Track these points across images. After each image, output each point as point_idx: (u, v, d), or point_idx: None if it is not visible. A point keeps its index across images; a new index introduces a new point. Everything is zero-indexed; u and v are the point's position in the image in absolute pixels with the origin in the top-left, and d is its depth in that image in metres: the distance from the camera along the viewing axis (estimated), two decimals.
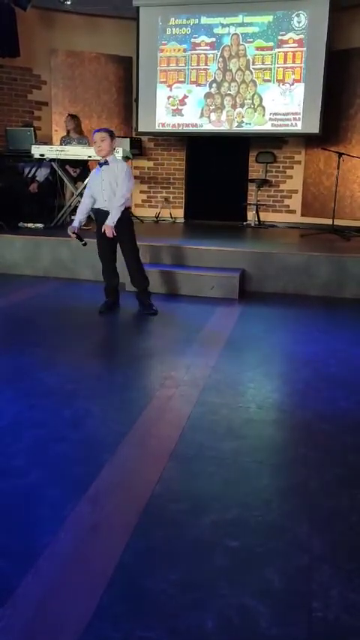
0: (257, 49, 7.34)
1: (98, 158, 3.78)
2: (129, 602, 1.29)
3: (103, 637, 1.19)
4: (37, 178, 6.81)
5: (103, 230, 3.86)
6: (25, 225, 6.14)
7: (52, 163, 6.14)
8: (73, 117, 6.99)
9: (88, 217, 4.01)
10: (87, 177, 6.23)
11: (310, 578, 1.39)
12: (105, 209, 3.90)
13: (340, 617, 1.27)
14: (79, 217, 4.01)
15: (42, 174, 6.84)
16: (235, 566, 1.42)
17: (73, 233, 3.93)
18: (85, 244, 4.08)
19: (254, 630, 1.23)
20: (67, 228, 4.00)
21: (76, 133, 6.90)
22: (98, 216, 3.99)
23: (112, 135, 3.85)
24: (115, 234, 3.82)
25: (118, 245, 4.04)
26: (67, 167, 6.48)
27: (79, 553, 1.46)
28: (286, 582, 1.37)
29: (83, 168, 6.71)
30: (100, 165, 3.90)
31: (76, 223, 3.98)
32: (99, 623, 1.23)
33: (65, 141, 6.88)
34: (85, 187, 6.09)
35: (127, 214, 3.96)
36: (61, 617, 1.25)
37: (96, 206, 3.97)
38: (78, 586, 1.34)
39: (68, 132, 6.97)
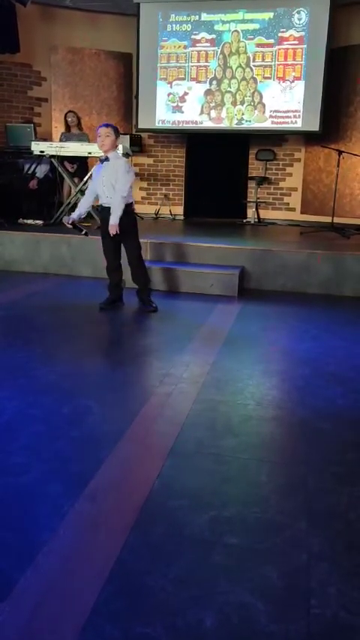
0: (257, 46, 7.33)
1: (98, 155, 3.80)
2: (128, 598, 1.30)
3: (101, 633, 1.20)
4: (37, 175, 6.80)
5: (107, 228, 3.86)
6: (25, 221, 6.13)
7: (52, 160, 6.13)
8: (75, 113, 7.00)
9: (88, 214, 4.00)
10: (85, 173, 6.25)
11: (308, 575, 1.40)
12: (107, 205, 3.89)
13: (338, 613, 1.28)
14: (78, 211, 4.00)
15: (42, 170, 6.84)
16: (233, 564, 1.43)
17: (69, 223, 3.93)
18: (85, 234, 4.07)
19: (253, 627, 1.23)
20: (63, 219, 3.98)
21: (78, 129, 6.90)
22: (102, 212, 3.99)
23: (117, 132, 3.85)
24: (118, 232, 3.82)
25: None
26: (65, 163, 6.47)
27: (79, 549, 1.46)
28: (284, 579, 1.38)
29: (81, 163, 6.70)
30: (102, 161, 3.91)
31: (74, 215, 3.97)
32: (98, 620, 1.23)
33: (66, 137, 6.87)
34: (84, 183, 6.13)
35: (130, 211, 3.95)
36: (61, 613, 1.25)
37: (99, 203, 3.99)
38: (77, 582, 1.35)
39: (69, 128, 6.95)
